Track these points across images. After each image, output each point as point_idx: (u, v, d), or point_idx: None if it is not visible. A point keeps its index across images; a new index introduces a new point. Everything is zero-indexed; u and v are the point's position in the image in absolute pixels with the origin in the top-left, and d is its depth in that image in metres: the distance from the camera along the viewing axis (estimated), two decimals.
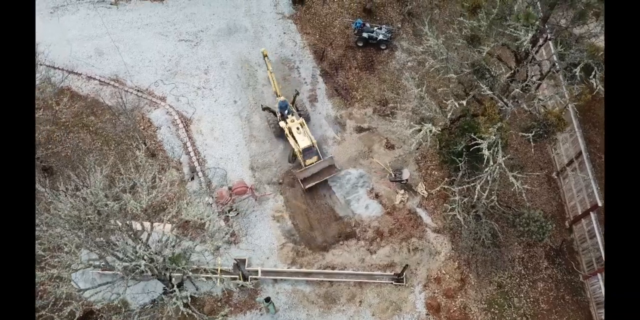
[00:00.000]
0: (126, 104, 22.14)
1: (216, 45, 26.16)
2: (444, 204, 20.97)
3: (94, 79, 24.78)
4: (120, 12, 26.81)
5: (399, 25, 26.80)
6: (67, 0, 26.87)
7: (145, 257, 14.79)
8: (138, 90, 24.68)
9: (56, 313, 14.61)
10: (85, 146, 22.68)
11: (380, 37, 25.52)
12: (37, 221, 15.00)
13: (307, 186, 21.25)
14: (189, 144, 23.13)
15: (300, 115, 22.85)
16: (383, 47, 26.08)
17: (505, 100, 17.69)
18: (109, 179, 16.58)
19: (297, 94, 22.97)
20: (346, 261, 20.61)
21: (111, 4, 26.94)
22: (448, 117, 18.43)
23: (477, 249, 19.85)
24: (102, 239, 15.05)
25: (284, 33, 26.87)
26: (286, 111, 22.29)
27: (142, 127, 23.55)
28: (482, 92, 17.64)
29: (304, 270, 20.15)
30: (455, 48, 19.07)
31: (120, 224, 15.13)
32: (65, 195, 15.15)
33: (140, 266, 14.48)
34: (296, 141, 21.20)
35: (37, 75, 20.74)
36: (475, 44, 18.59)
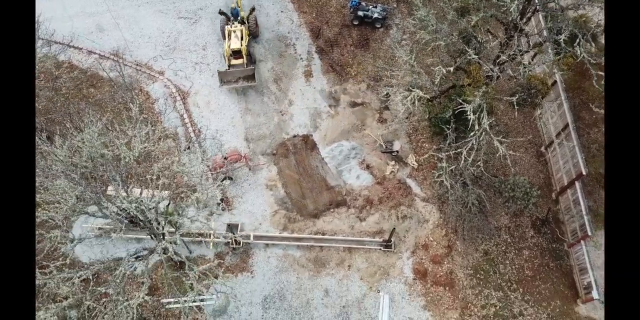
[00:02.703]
0: (125, 78, 22.72)
1: (214, 23, 26.68)
2: (432, 172, 21.46)
3: (94, 53, 25.41)
4: None
5: (395, 5, 27.24)
6: None
7: (136, 207, 15.37)
8: (137, 65, 25.29)
9: (52, 262, 15.23)
10: (84, 114, 23.27)
11: (376, 15, 25.97)
12: (38, 175, 15.70)
13: (222, 85, 23.98)
14: (185, 115, 23.71)
15: (250, 31, 25.11)
16: (378, 26, 26.54)
17: (490, 66, 18.17)
18: (103, 132, 17.27)
19: (253, 9, 25.31)
20: (336, 228, 21.14)
21: None
22: (436, 84, 18.92)
23: (464, 215, 20.32)
24: (98, 188, 15.64)
25: (282, 12, 27.37)
26: (238, 18, 24.90)
27: (140, 100, 24.12)
28: (470, 58, 18.09)
29: (295, 235, 20.70)
30: (445, 20, 19.53)
31: (114, 174, 15.78)
32: (62, 144, 15.95)
33: (130, 210, 15.06)
34: (229, 43, 23.78)
35: (38, 48, 21.45)
36: (464, 14, 19.08)
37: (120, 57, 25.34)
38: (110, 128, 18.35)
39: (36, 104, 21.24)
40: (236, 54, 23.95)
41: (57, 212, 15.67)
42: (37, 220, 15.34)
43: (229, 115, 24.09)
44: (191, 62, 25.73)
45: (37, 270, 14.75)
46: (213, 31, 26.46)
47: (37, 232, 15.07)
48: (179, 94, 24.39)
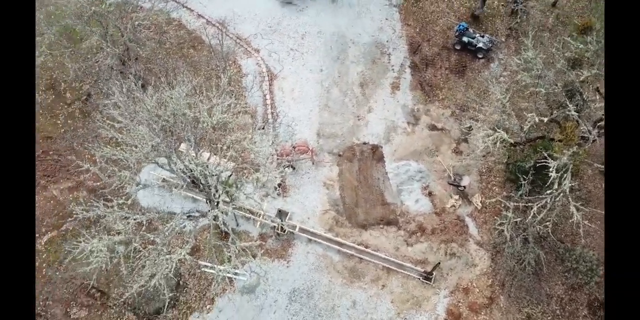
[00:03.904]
0: (223, 47, 23.18)
1: (319, 15, 26.96)
2: (495, 218, 20.66)
3: (203, 17, 26.16)
4: None
5: (503, 39, 26.64)
6: None
7: (201, 170, 15.68)
8: (237, 38, 25.85)
9: (115, 197, 15.77)
10: (179, 72, 23.93)
11: (480, 44, 25.47)
12: (125, 116, 16.28)
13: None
14: (268, 97, 23.98)
15: None
16: (480, 56, 26.00)
17: (589, 127, 17.29)
18: (191, 94, 17.73)
19: None
20: (381, 245, 20.74)
21: None
22: (525, 130, 18.16)
23: (517, 272, 19.37)
24: (172, 143, 16.08)
25: (386, 19, 27.32)
26: None
27: (231, 71, 24.58)
28: (568, 114, 17.26)
29: (339, 239, 20.47)
30: (552, 67, 18.74)
31: (189, 135, 16.16)
32: (152, 95, 16.61)
33: (195, 171, 15.41)
34: None
35: (150, 4, 22.21)
36: (575, 66, 18.27)
37: (225, 27, 25.96)
38: (197, 91, 18.82)
39: (140, 52, 22.03)
40: None
41: (131, 155, 16.24)
42: (114, 157, 15.97)
43: (308, 107, 24.17)
44: (287, 47, 26.05)
45: (101, 202, 15.42)
46: (315, 22, 26.72)
47: (110, 168, 15.75)
48: (268, 75, 24.71)
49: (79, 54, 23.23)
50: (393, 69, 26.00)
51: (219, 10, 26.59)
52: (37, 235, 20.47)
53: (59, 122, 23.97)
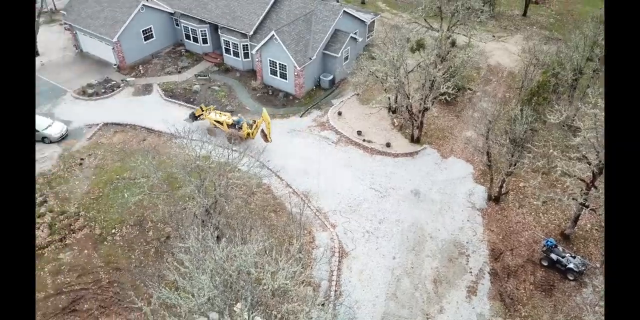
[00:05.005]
0: (302, 217, 23.69)
1: (400, 204, 27.52)
2: None
3: (290, 187, 27.84)
4: (339, 149, 31.18)
5: (598, 265, 24.48)
6: (299, 129, 32.83)
7: None
8: (317, 211, 26.54)
9: None
10: (255, 231, 24.18)
11: (571, 266, 23.49)
12: (192, 262, 15.77)
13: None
14: (335, 273, 22.71)
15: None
16: (571, 278, 23.67)
17: None
18: (260, 254, 17.21)
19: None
20: None
21: (333, 142, 31.78)
22: None
23: None
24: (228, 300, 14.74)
25: (468, 220, 27.07)
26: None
27: (304, 240, 24.36)
28: None
29: None
30: None
31: (248, 294, 14.90)
32: (224, 248, 16.43)
33: None
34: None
35: (247, 167, 24.47)
36: None
37: (308, 199, 27.11)
38: (267, 252, 18.36)
39: (226, 207, 23.06)
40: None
41: (185, 302, 15.15)
42: (168, 301, 14.87)
43: (374, 293, 22.25)
44: (363, 228, 25.97)
45: None
46: (395, 211, 27.06)
47: (162, 312, 14.44)
48: (339, 252, 24.03)
49: (172, 199, 24.85)
50: (471, 272, 24.21)
51: (306, 183, 28.35)
52: None
53: (133, 256, 24.16)
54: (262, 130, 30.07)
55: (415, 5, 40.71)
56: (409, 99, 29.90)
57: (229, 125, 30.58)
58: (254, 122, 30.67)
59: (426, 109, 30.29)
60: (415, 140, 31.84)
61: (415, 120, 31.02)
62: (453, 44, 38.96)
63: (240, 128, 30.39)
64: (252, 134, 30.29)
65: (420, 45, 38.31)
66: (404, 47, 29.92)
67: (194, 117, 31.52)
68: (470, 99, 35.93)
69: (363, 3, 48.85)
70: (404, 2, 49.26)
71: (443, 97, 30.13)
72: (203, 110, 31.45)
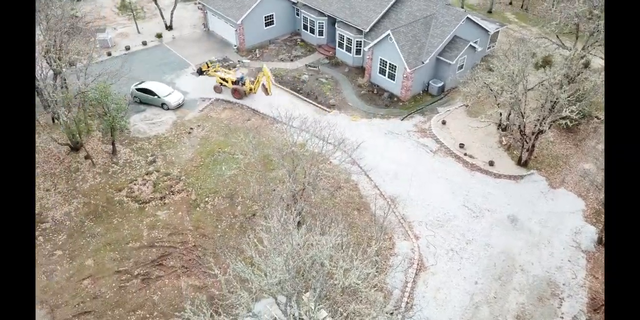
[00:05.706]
0: (385, 221, 22.73)
1: (492, 228, 25.37)
2: None
3: (378, 189, 26.99)
4: (436, 159, 29.62)
5: None
6: (397, 132, 31.70)
7: None
8: (402, 218, 25.38)
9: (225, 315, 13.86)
10: (335, 225, 23.88)
11: None
12: (270, 242, 15.77)
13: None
14: (409, 285, 21.48)
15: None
16: None
17: None
18: (337, 248, 16.82)
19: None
20: None
21: (431, 151, 30.28)
22: None
23: None
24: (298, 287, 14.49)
25: (569, 261, 24.13)
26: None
27: (383, 244, 23.42)
28: None
29: None
30: None
31: (317, 285, 14.57)
32: (305, 234, 16.52)
33: None
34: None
35: (338, 161, 23.90)
36: None
37: (394, 204, 26.06)
38: (343, 248, 17.82)
39: (312, 196, 22.96)
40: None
41: (258, 280, 15.15)
42: (242, 274, 14.97)
43: (448, 314, 20.72)
44: (448, 245, 24.33)
45: (209, 312, 13.89)
46: (486, 234, 25.01)
47: (234, 284, 14.62)
48: (418, 265, 22.71)
49: (264, 179, 25.34)
50: (562, 317, 21.52)
51: (395, 188, 27.26)
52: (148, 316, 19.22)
53: (219, 226, 25.18)
54: (263, 84, 33.10)
55: (549, 19, 37.39)
56: (523, 118, 27.52)
57: (233, 82, 33.66)
58: (255, 78, 34.10)
59: (541, 132, 27.62)
60: (522, 163, 29.23)
61: (527, 142, 28.44)
62: (586, 65, 35.27)
63: (244, 84, 33.63)
64: (254, 89, 33.61)
65: (546, 62, 35.24)
66: (527, 62, 27.51)
67: (200, 72, 34.59)
68: (596, 129, 32.18)
69: (490, 12, 46.24)
70: (536, 15, 45.75)
71: (563, 122, 27.22)
72: (208, 66, 34.46)
